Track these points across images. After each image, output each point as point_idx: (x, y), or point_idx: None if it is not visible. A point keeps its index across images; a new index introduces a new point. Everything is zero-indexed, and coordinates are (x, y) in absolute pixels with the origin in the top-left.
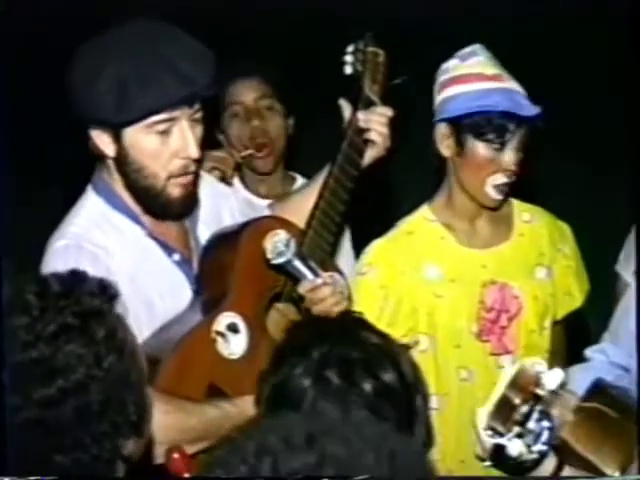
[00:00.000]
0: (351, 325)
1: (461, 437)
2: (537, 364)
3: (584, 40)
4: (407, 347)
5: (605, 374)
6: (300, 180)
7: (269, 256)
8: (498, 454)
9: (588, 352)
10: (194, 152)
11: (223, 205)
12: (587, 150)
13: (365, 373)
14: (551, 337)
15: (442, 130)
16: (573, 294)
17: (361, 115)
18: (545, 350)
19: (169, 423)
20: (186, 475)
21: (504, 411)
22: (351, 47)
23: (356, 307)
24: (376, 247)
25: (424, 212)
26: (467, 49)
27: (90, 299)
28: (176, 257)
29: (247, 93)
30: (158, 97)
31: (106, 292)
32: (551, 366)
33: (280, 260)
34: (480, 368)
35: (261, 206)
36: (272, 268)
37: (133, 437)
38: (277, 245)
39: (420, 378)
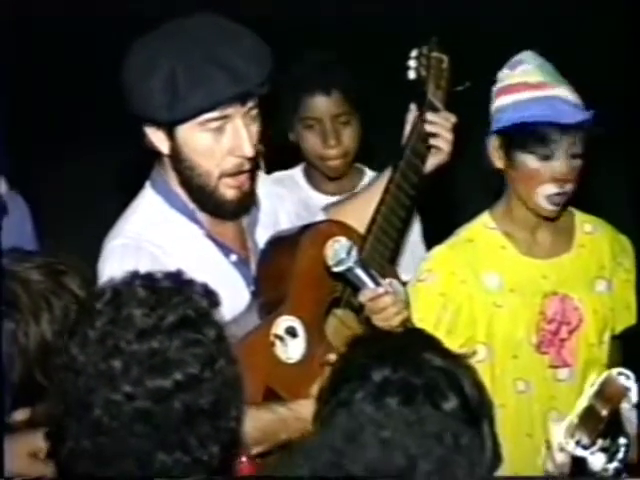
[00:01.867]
0: (413, 345)
1: (516, 450)
2: (624, 375)
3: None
4: (466, 356)
5: None
6: (369, 173)
7: (330, 263)
8: (578, 468)
9: None
10: (248, 150)
11: (279, 207)
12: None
13: (426, 401)
14: (610, 351)
15: (493, 142)
16: (631, 309)
17: (429, 117)
18: (603, 364)
19: None
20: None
21: (590, 422)
22: (415, 52)
23: (414, 314)
24: (436, 254)
25: (485, 220)
26: (517, 57)
27: (199, 298)
28: (233, 258)
29: (325, 111)
30: (209, 95)
31: (211, 297)
32: None
33: (341, 268)
34: (538, 380)
35: (317, 209)
36: (332, 275)
37: (228, 444)
38: (338, 252)
39: (486, 400)
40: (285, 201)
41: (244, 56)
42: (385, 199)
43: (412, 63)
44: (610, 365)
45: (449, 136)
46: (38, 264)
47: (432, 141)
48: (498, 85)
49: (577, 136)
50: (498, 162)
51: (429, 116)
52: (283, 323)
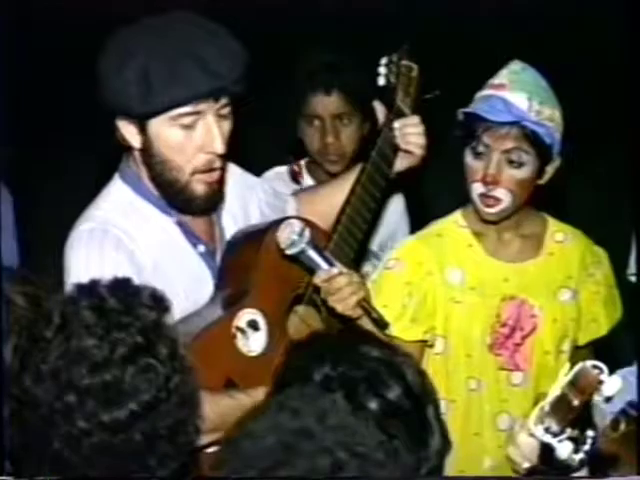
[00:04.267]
0: (350, 340)
1: (462, 446)
2: (597, 368)
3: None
4: (427, 346)
5: (632, 395)
6: None
7: (282, 246)
8: (544, 455)
9: (619, 374)
10: (219, 147)
11: (250, 197)
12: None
13: (370, 392)
14: (572, 361)
15: None
16: (599, 321)
17: (397, 123)
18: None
19: None
20: None
21: (561, 411)
22: (385, 59)
23: (379, 300)
24: (405, 244)
25: (457, 217)
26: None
27: (148, 312)
28: (201, 248)
29: (326, 109)
30: (182, 90)
31: (160, 304)
32: None
33: (294, 250)
34: (490, 381)
35: (287, 197)
36: (291, 261)
37: (190, 457)
38: (290, 235)
39: (429, 386)
40: (255, 190)
41: (220, 53)
42: (351, 200)
43: (382, 70)
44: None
45: (420, 141)
46: (25, 291)
47: (403, 145)
48: None
49: (511, 139)
50: None
51: (397, 122)
52: (245, 316)
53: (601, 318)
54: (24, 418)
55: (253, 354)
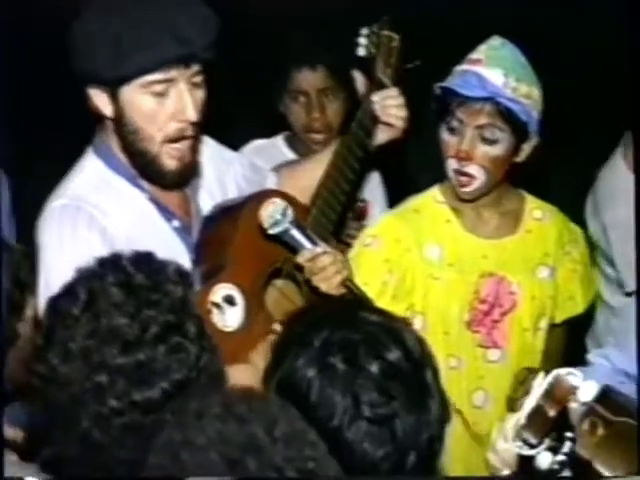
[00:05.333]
0: (347, 307)
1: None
2: (572, 374)
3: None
4: (409, 322)
5: (607, 380)
6: None
7: (265, 225)
8: (523, 464)
9: (591, 357)
10: (192, 115)
11: (226, 171)
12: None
13: (369, 355)
14: (547, 339)
15: None
16: (575, 299)
17: (377, 95)
18: (538, 351)
19: None
20: None
21: (538, 422)
22: (365, 30)
23: (359, 278)
24: (382, 221)
25: (434, 193)
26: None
27: (175, 288)
28: (175, 223)
29: (311, 84)
30: (152, 55)
31: (186, 280)
32: (544, 367)
33: (277, 229)
34: (468, 358)
35: (266, 171)
36: (270, 239)
37: None
38: (273, 214)
39: (427, 352)
40: (233, 164)
41: (190, 20)
42: (330, 172)
43: (362, 41)
44: (548, 352)
45: (401, 113)
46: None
47: (384, 118)
48: None
49: (484, 114)
50: None
51: (377, 94)
52: (221, 291)
53: (578, 296)
54: (50, 396)
55: (229, 329)
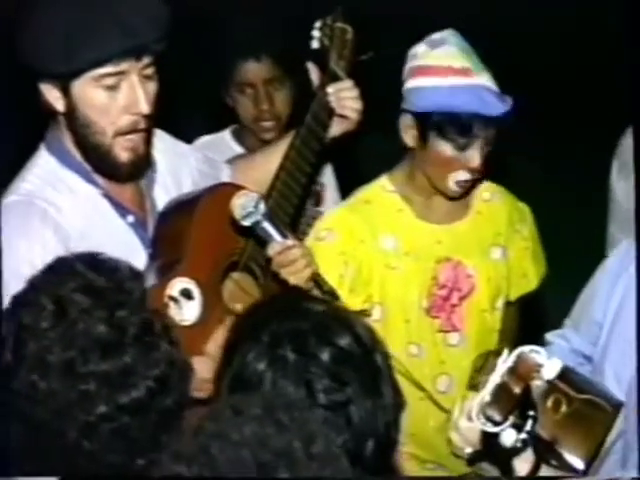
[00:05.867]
0: (292, 299)
1: (410, 411)
2: (535, 352)
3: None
4: (365, 314)
5: (566, 361)
6: None
7: (237, 217)
8: (486, 442)
9: (549, 336)
10: (144, 108)
11: (181, 165)
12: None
13: (320, 342)
14: (503, 317)
15: (407, 121)
16: (528, 276)
17: (332, 89)
18: (496, 330)
19: None
20: None
21: (503, 400)
22: (319, 22)
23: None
24: (334, 213)
25: (383, 183)
26: (438, 35)
27: (134, 286)
28: (130, 219)
29: (257, 75)
30: (102, 48)
31: (140, 277)
32: (500, 345)
33: (249, 221)
34: (429, 344)
35: (220, 164)
36: (234, 235)
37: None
38: (246, 205)
39: (377, 338)
40: (187, 158)
41: (139, 12)
42: (285, 165)
43: (316, 33)
44: (504, 330)
45: (356, 105)
46: None
47: (338, 110)
48: (415, 62)
49: (493, 126)
50: (409, 140)
51: (331, 86)
52: (178, 285)
53: (530, 273)
54: (29, 413)
55: (187, 323)
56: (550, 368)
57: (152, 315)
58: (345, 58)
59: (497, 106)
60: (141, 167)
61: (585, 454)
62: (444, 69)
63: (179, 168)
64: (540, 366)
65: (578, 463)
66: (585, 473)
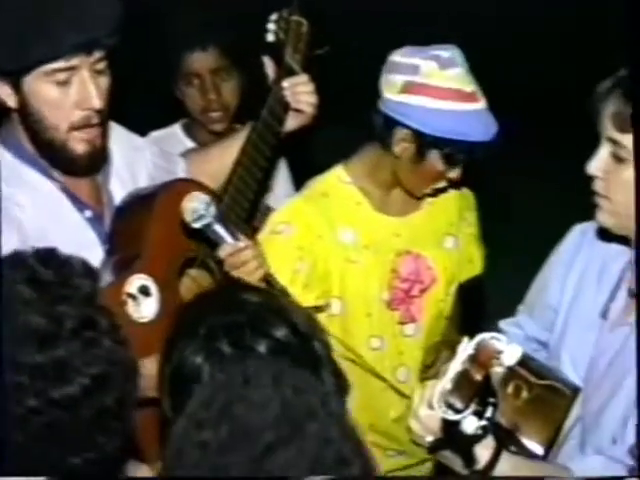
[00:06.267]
0: (228, 291)
1: (371, 403)
2: (495, 339)
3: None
4: (320, 309)
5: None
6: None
7: (188, 219)
8: (447, 429)
9: (503, 325)
10: (96, 103)
11: (137, 158)
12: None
13: (256, 335)
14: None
15: (402, 134)
16: (474, 261)
17: (287, 83)
18: (446, 317)
19: None
20: None
21: (464, 387)
22: (275, 15)
23: (270, 266)
24: (291, 206)
25: (339, 173)
26: (445, 53)
27: (83, 282)
28: (88, 214)
29: (203, 66)
30: (50, 44)
31: (92, 273)
32: (446, 332)
33: (200, 224)
34: (389, 337)
35: (175, 157)
36: (190, 232)
37: (130, 430)
38: (197, 208)
39: (315, 325)
40: (143, 152)
41: (90, 7)
42: (241, 159)
43: (271, 26)
44: (451, 316)
45: (311, 99)
46: None
47: (294, 104)
48: (420, 79)
49: None
50: (400, 151)
51: (286, 80)
52: (136, 281)
53: (475, 258)
54: None
55: (144, 320)
56: (510, 354)
57: (98, 312)
58: (301, 52)
59: (494, 128)
60: (98, 160)
61: (544, 440)
62: (455, 93)
63: (135, 161)
64: (500, 352)
65: (538, 449)
66: (544, 458)
